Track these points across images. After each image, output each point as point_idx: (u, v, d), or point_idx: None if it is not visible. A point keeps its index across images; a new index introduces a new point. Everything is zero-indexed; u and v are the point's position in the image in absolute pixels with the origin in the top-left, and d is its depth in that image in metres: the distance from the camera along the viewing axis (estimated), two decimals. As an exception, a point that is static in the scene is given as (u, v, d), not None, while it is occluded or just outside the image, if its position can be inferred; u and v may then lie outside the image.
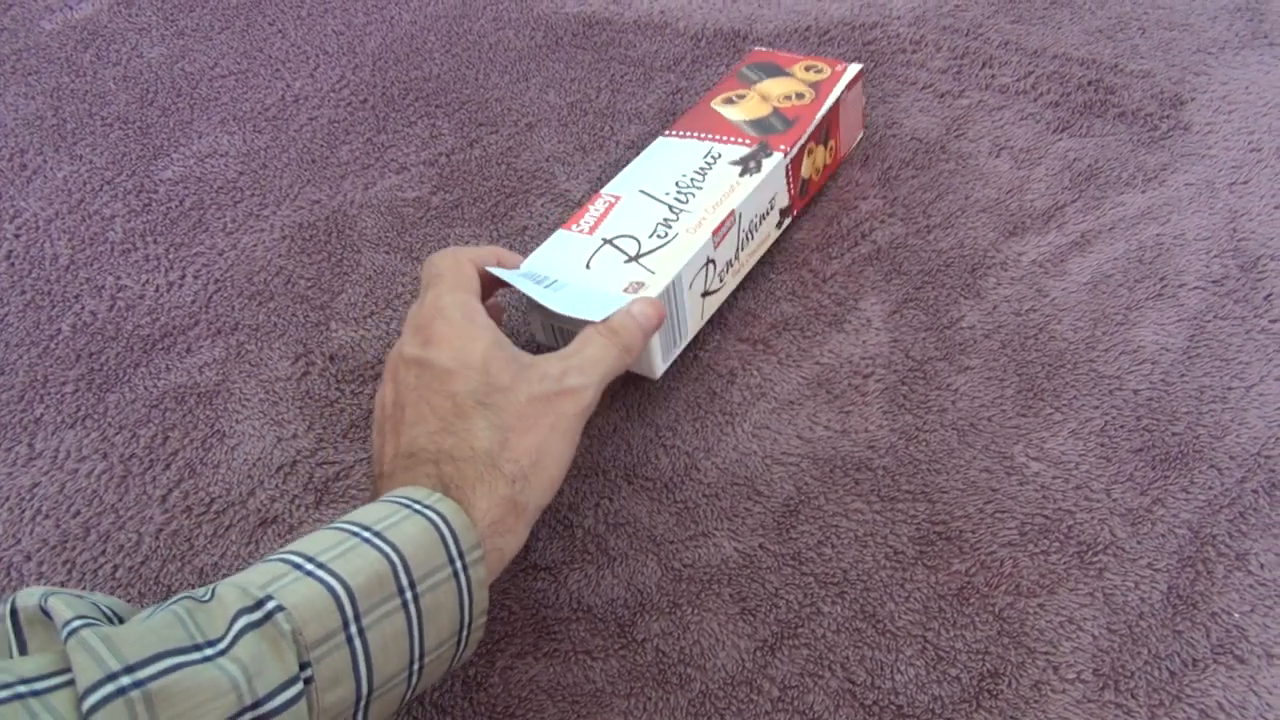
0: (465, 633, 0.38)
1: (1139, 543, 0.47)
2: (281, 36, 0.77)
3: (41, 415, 0.54)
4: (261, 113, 0.71)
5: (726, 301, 0.58)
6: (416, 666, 0.36)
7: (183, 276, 0.61)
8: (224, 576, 0.47)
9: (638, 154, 0.62)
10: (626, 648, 0.45)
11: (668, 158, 0.57)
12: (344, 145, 0.68)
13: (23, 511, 0.50)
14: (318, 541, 0.36)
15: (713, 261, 0.53)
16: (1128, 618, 0.45)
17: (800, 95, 0.60)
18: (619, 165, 0.66)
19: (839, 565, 0.47)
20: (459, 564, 0.37)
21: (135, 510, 0.50)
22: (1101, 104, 0.68)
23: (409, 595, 0.36)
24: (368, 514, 0.38)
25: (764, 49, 0.65)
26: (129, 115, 0.71)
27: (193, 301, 0.60)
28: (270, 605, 0.32)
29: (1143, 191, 0.63)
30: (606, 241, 0.52)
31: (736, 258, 0.55)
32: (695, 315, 0.54)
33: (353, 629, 0.34)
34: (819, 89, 0.60)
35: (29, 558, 0.49)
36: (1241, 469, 0.50)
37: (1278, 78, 0.69)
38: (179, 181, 0.67)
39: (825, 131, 0.60)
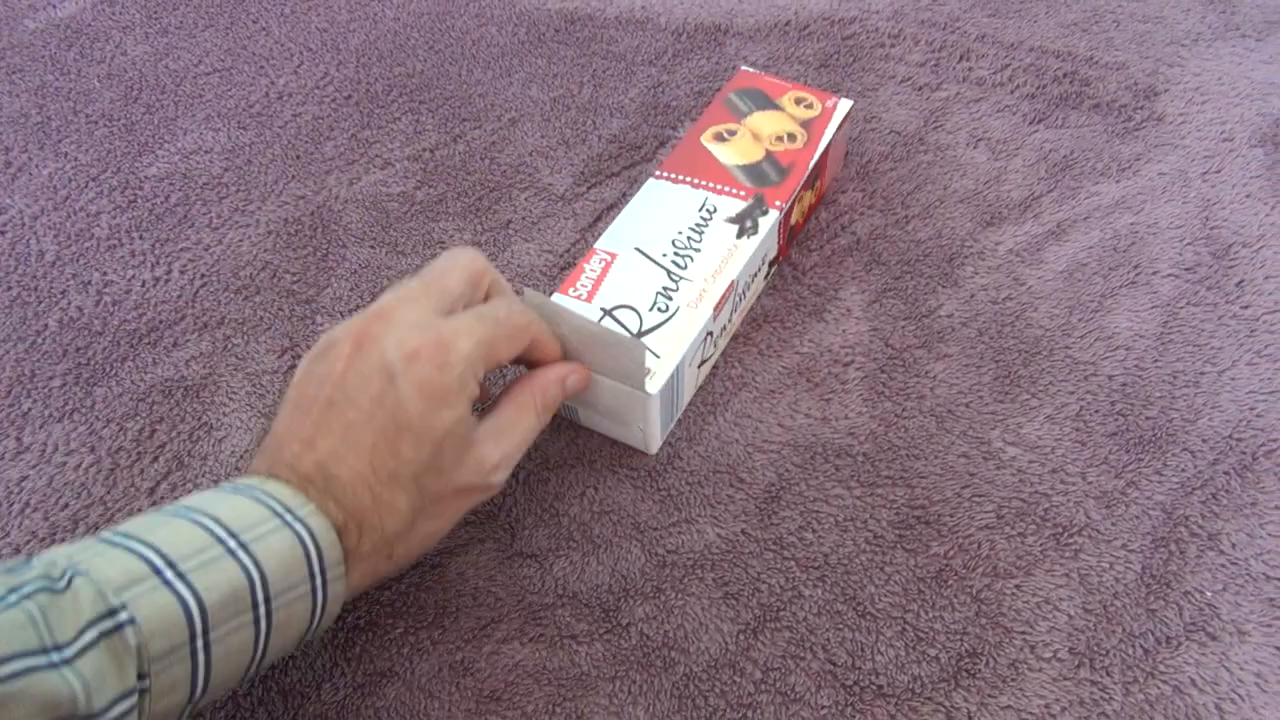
0: (310, 635, 0.39)
1: (1114, 524, 0.48)
2: (265, 34, 0.77)
3: (29, 409, 0.55)
4: (246, 109, 0.71)
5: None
6: (251, 671, 0.37)
7: (169, 272, 0.61)
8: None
9: (619, 148, 0.62)
10: (611, 632, 0.46)
11: (661, 208, 0.56)
12: (328, 141, 0.69)
13: (11, 505, 0.51)
14: (183, 541, 0.35)
15: (711, 333, 0.52)
16: (1103, 597, 0.46)
17: (793, 137, 0.59)
18: (601, 159, 0.66)
19: (820, 550, 0.48)
20: (318, 580, 0.37)
21: (123, 503, 0.51)
22: (1077, 96, 0.69)
23: (261, 611, 0.36)
24: (236, 514, 0.37)
25: (750, 69, 0.64)
26: (113, 113, 0.72)
27: (179, 296, 0.60)
28: (122, 616, 0.32)
29: (1117, 181, 0.64)
30: (606, 312, 0.51)
31: (730, 321, 0.55)
32: (691, 386, 0.53)
33: (198, 643, 0.34)
34: (811, 130, 0.59)
35: (18, 550, 0.49)
36: (1213, 451, 0.51)
37: (1249, 69, 0.70)
38: (164, 178, 0.67)
39: (814, 176, 0.59)
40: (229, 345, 0.57)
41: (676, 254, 0.53)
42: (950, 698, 0.43)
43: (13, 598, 0.31)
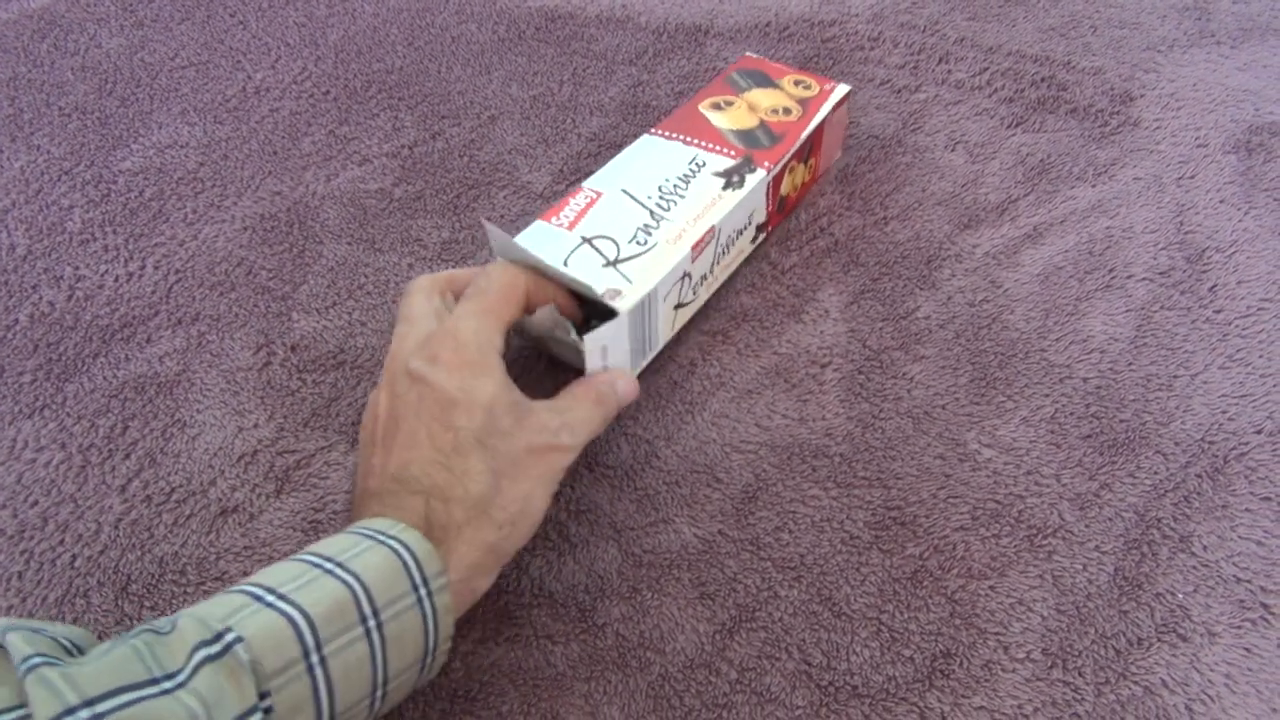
0: (429, 658, 0.39)
1: (1087, 526, 0.48)
2: (242, 27, 0.77)
3: (-2, 406, 0.54)
4: (222, 104, 0.71)
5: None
6: (379, 693, 0.37)
7: (142, 267, 0.61)
8: (184, 566, 0.47)
9: (599, 146, 0.62)
10: (587, 632, 0.45)
11: (652, 158, 0.57)
12: (306, 137, 0.68)
13: (-20, 502, 0.50)
14: (279, 574, 0.36)
15: (688, 275, 0.53)
16: (1076, 599, 0.46)
17: (788, 110, 0.60)
18: (581, 158, 0.66)
19: (796, 550, 0.48)
20: (423, 591, 0.37)
21: (94, 500, 0.50)
22: (1054, 100, 0.70)
23: (372, 623, 0.36)
24: (330, 546, 0.38)
25: (755, 55, 0.65)
26: (87, 105, 0.71)
27: (153, 292, 0.59)
28: (229, 637, 0.33)
29: (1093, 185, 0.64)
30: (585, 240, 0.52)
31: (711, 272, 0.56)
32: (666, 326, 0.54)
33: (313, 658, 0.34)
34: (806, 107, 0.61)
35: (-14, 548, 0.48)
36: (1186, 454, 0.51)
37: (1224, 75, 0.71)
38: (138, 172, 0.66)
39: (808, 150, 0.60)
40: (203, 342, 0.57)
41: (661, 198, 0.55)
42: (924, 698, 0.43)
43: (118, 642, 0.32)
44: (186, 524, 0.49)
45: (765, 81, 0.63)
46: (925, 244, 0.61)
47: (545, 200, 0.64)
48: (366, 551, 0.37)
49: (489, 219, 0.47)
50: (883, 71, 0.72)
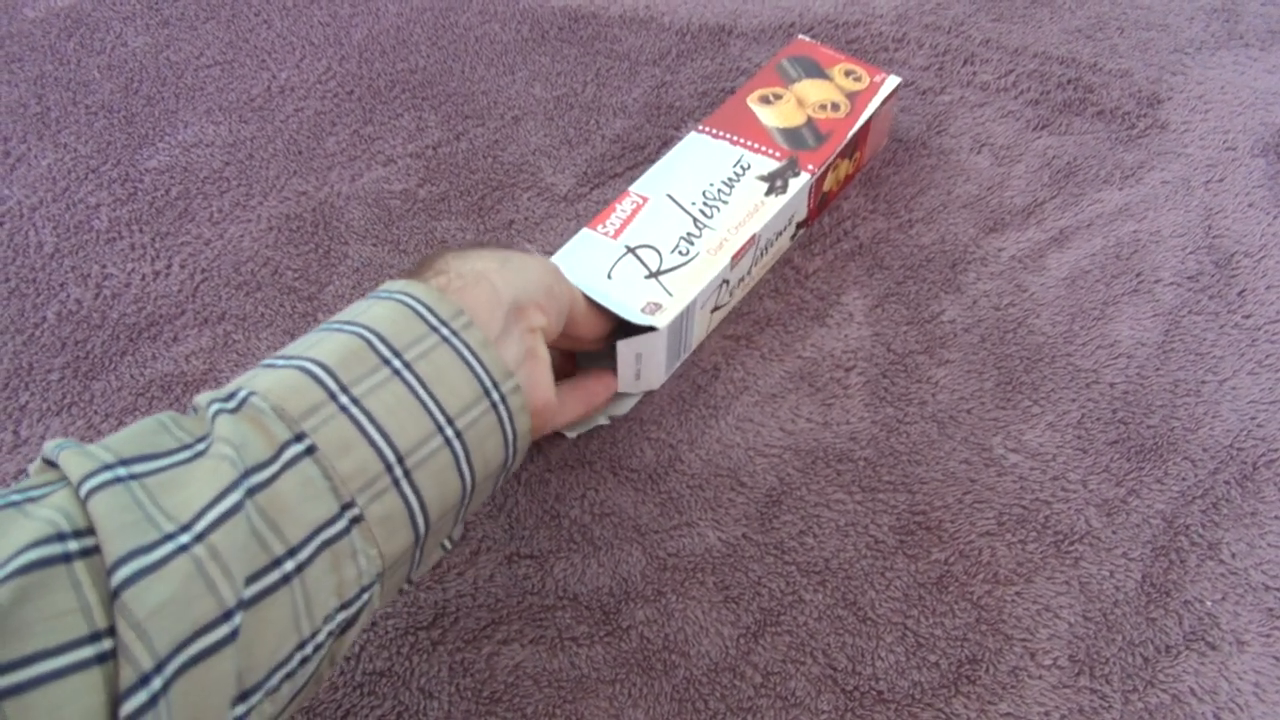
0: (497, 393, 0.37)
1: (1114, 532, 0.48)
2: (267, 27, 0.77)
3: (26, 403, 0.54)
4: (247, 103, 0.71)
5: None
6: (451, 431, 0.35)
7: (169, 266, 0.61)
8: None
9: (622, 148, 0.62)
10: (612, 635, 0.45)
11: (698, 160, 0.57)
12: (330, 136, 0.69)
13: (8, 499, 0.50)
14: (286, 349, 0.36)
15: (726, 282, 0.53)
16: (1103, 605, 0.46)
17: (836, 106, 0.60)
18: (604, 159, 0.66)
19: (820, 554, 0.48)
20: (445, 330, 0.37)
21: (122, 498, 0.50)
22: (1080, 102, 0.69)
23: (397, 363, 0.35)
24: (340, 314, 0.38)
25: (807, 39, 0.65)
26: (113, 104, 0.71)
27: (179, 291, 0.60)
28: (242, 394, 0.32)
29: (1120, 189, 0.64)
30: (629, 250, 0.52)
31: (749, 274, 0.56)
32: (702, 329, 0.55)
33: (343, 399, 0.33)
34: (855, 101, 0.60)
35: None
36: (1214, 461, 0.51)
37: (1253, 78, 0.70)
38: (164, 171, 0.66)
39: (853, 146, 0.60)
40: (229, 341, 0.57)
41: (705, 203, 0.55)
42: (950, 704, 0.43)
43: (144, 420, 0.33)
44: (213, 523, 0.49)
45: (815, 71, 0.63)
46: (950, 247, 0.61)
47: (569, 202, 0.64)
48: (372, 307, 0.37)
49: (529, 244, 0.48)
50: (907, 73, 0.72)
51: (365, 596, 0.33)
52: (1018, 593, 0.46)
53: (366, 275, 0.60)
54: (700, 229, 0.54)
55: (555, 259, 0.52)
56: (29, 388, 0.55)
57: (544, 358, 0.42)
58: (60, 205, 0.65)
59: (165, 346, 0.57)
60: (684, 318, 0.51)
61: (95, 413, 0.54)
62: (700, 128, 0.59)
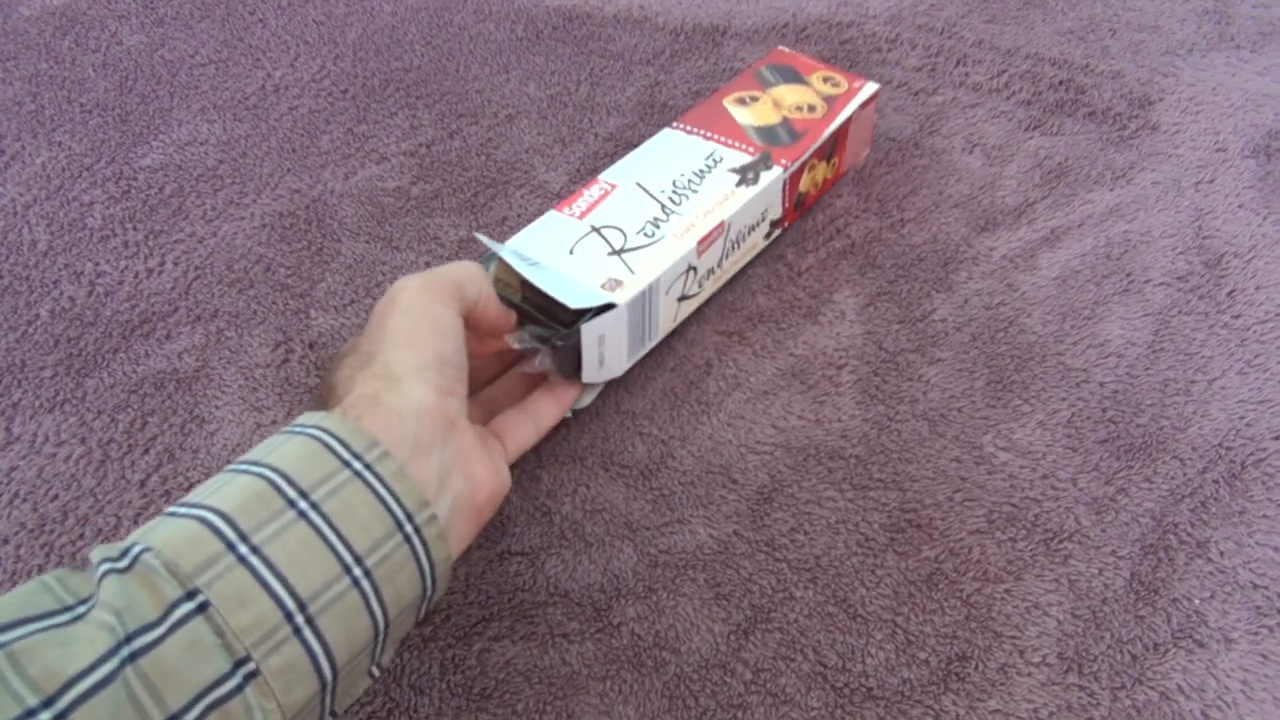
0: (410, 525, 0.36)
1: (1103, 531, 0.48)
2: (262, 25, 0.77)
3: (19, 400, 0.54)
4: (241, 101, 0.71)
5: (703, 293, 0.58)
6: (359, 570, 0.34)
7: (162, 263, 0.61)
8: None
9: (615, 146, 0.62)
10: (602, 631, 0.46)
11: (670, 152, 0.58)
12: (324, 135, 0.69)
13: (0, 495, 0.50)
14: (190, 494, 0.34)
15: (694, 269, 0.53)
16: (1091, 603, 0.46)
17: (812, 108, 0.60)
18: (598, 157, 0.66)
19: (811, 552, 0.48)
20: (357, 465, 0.35)
21: (114, 495, 0.51)
22: (1072, 103, 0.70)
23: (304, 504, 0.33)
24: (250, 453, 0.36)
25: (786, 50, 0.65)
26: (108, 102, 0.71)
27: (172, 288, 0.60)
28: (136, 550, 0.31)
29: (1111, 189, 0.64)
30: (594, 229, 0.53)
31: (719, 265, 0.56)
32: (668, 318, 0.54)
33: (242, 549, 0.32)
34: (832, 104, 0.61)
35: (6, 541, 0.49)
36: (1203, 460, 0.51)
37: (1243, 80, 0.71)
38: (158, 169, 0.67)
39: (831, 148, 0.60)
40: (222, 338, 0.57)
41: (674, 192, 0.55)
42: (939, 701, 0.43)
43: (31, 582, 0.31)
44: (205, 519, 0.49)
45: (793, 78, 0.63)
46: (942, 246, 0.61)
47: (561, 200, 0.64)
48: (283, 445, 0.35)
49: (479, 231, 0.47)
50: (900, 73, 0.72)
51: None
52: (1007, 590, 0.46)
53: (359, 272, 0.60)
54: (668, 215, 0.54)
55: (518, 238, 0.52)
56: (21, 385, 0.55)
57: (472, 439, 0.41)
58: (54, 203, 0.65)
59: (158, 344, 0.57)
60: (646, 298, 0.51)
61: (88, 409, 0.54)
62: (674, 124, 0.60)
